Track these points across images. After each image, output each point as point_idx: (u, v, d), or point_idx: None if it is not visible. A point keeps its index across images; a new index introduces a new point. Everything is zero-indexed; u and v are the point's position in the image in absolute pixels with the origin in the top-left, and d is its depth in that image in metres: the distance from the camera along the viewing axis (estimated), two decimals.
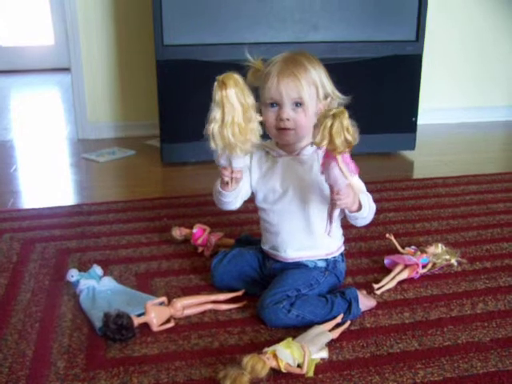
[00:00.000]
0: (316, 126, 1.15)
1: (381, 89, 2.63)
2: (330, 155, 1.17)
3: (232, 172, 1.30)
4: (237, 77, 1.20)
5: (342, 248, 1.49)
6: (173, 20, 2.37)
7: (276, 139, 1.41)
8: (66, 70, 4.04)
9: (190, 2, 2.38)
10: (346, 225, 1.87)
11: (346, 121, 1.12)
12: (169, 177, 2.45)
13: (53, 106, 4.26)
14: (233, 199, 1.40)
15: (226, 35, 2.43)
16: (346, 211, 1.32)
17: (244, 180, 1.39)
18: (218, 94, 1.18)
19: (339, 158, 1.15)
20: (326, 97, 1.36)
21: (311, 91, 1.33)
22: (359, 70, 2.49)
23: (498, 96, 3.49)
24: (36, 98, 4.48)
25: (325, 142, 1.12)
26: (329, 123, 1.11)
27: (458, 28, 3.29)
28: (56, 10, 5.44)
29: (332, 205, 1.27)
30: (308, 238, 1.41)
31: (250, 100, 1.22)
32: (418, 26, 2.56)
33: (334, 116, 1.12)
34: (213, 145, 1.22)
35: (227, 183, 1.33)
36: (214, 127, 1.20)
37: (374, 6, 2.51)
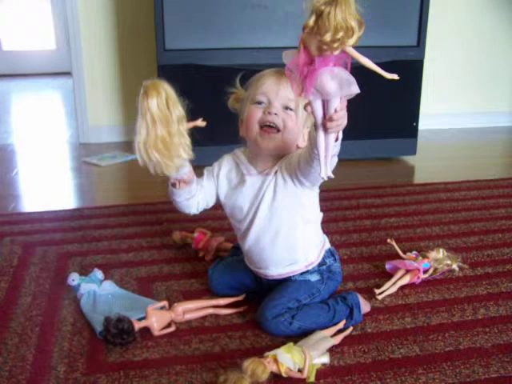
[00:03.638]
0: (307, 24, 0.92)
1: (382, 94, 2.63)
2: (315, 66, 0.96)
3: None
4: (163, 85, 1.12)
5: (325, 248, 1.42)
6: (174, 25, 2.37)
7: (254, 143, 1.31)
8: (68, 74, 4.06)
9: (192, 7, 2.39)
10: (348, 230, 1.88)
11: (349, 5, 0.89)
12: None
13: (54, 109, 4.27)
14: (184, 200, 1.34)
15: (226, 40, 2.44)
16: (332, 141, 1.07)
17: (205, 186, 1.37)
18: (139, 104, 1.10)
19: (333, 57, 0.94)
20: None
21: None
22: (360, 75, 2.49)
23: (500, 101, 3.50)
24: (37, 101, 4.49)
25: (328, 35, 0.89)
26: (327, 11, 0.88)
27: (461, 33, 3.30)
28: (58, 14, 5.47)
29: (325, 134, 1.06)
30: (284, 254, 1.36)
31: (178, 111, 1.13)
32: (420, 32, 2.57)
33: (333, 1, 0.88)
34: (140, 161, 1.14)
35: (174, 184, 1.30)
36: (139, 142, 1.12)
37: (375, 11, 2.51)
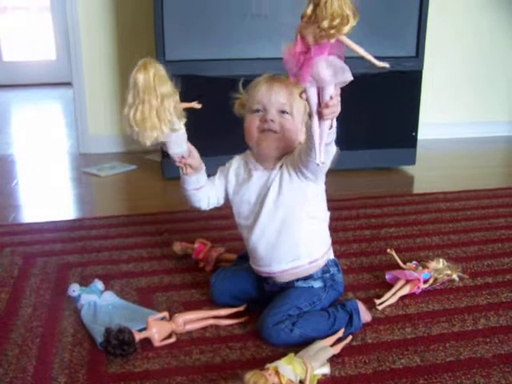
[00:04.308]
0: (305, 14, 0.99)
1: (381, 104, 2.65)
2: (311, 55, 1.01)
3: (182, 158, 1.34)
4: (153, 64, 1.21)
5: (330, 253, 1.44)
6: (174, 36, 2.38)
7: (256, 147, 1.36)
8: (68, 84, 4.06)
9: (191, 18, 2.40)
10: (348, 240, 1.89)
11: None
12: (170, 191, 2.45)
13: (54, 120, 4.28)
14: (193, 190, 1.41)
15: (226, 51, 2.45)
16: (326, 128, 1.12)
17: (216, 184, 1.44)
18: (130, 78, 1.21)
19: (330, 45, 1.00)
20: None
21: (300, 104, 1.32)
22: (360, 86, 2.49)
23: (499, 111, 3.51)
24: (37, 112, 4.50)
25: (326, 22, 0.95)
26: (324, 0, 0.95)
27: (460, 42, 3.32)
28: (58, 24, 5.49)
29: (320, 121, 1.10)
30: (288, 249, 1.37)
31: (164, 89, 1.21)
32: (418, 42, 2.59)
33: None
34: (125, 129, 1.24)
35: (182, 169, 1.38)
36: (124, 111, 1.22)
37: (374, 22, 2.53)
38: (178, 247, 1.74)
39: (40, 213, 2.21)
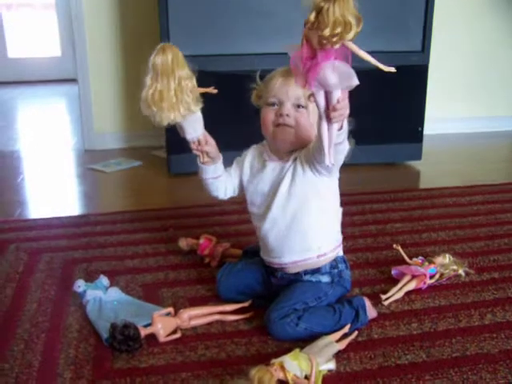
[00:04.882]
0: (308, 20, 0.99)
1: (387, 99, 2.64)
2: (318, 60, 1.02)
3: (198, 145, 1.35)
4: (172, 47, 1.23)
5: (340, 251, 1.44)
6: (179, 32, 2.38)
7: (272, 140, 1.38)
8: (73, 80, 4.07)
9: (196, 13, 2.40)
10: (353, 235, 1.88)
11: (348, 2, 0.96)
12: (175, 187, 2.45)
13: (59, 116, 4.29)
14: (210, 179, 1.43)
15: (231, 46, 2.44)
16: (335, 130, 1.14)
17: (232, 174, 1.46)
18: (150, 61, 1.24)
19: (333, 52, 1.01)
20: None
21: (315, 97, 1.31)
22: (365, 81, 2.48)
23: (506, 106, 3.49)
24: (43, 108, 4.50)
25: (327, 30, 0.95)
26: (326, 7, 0.95)
27: (467, 37, 3.30)
28: (63, 21, 5.49)
29: (329, 124, 1.12)
30: (298, 240, 1.37)
31: (182, 71, 1.24)
32: (424, 37, 2.57)
33: None
34: (143, 111, 1.28)
35: (199, 157, 1.39)
36: (142, 93, 1.26)
37: (380, 16, 2.52)
38: (183, 243, 1.74)
39: (45, 209, 2.22)
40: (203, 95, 1.31)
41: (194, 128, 1.33)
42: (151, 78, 1.24)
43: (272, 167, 1.39)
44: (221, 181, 1.45)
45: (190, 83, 1.26)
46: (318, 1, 0.95)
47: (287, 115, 1.32)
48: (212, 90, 1.31)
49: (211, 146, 1.38)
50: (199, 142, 1.36)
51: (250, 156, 1.46)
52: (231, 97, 2.28)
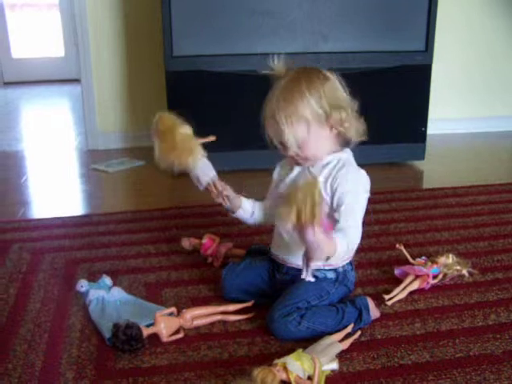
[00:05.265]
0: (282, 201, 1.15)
1: (390, 99, 2.63)
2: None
3: (218, 191, 1.44)
4: (167, 114, 1.43)
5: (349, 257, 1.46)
6: (182, 32, 2.38)
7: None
8: (76, 81, 4.08)
9: (199, 13, 2.40)
10: None
11: (315, 195, 1.08)
12: (178, 187, 2.45)
13: (63, 116, 4.29)
14: (250, 218, 1.51)
15: (234, 46, 2.44)
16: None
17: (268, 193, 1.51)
18: (152, 130, 1.42)
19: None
20: (332, 113, 1.31)
21: (299, 129, 1.30)
22: (369, 80, 2.49)
23: (509, 105, 3.48)
24: (46, 108, 4.51)
25: (292, 216, 1.09)
26: (297, 196, 1.09)
27: (470, 36, 3.29)
28: (66, 21, 5.50)
29: (307, 257, 1.21)
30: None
31: (182, 129, 1.41)
32: (428, 37, 2.56)
33: (302, 189, 1.10)
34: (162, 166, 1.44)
35: (221, 203, 1.47)
36: (155, 154, 1.43)
37: (384, 16, 2.52)
38: (186, 243, 1.74)
39: (49, 209, 2.22)
40: (204, 145, 1.43)
41: (206, 172, 1.44)
42: (158, 139, 1.41)
43: (298, 170, 1.42)
44: (258, 214, 1.51)
45: (191, 137, 1.42)
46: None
47: (297, 155, 1.35)
48: (211, 139, 1.43)
49: (227, 189, 1.45)
50: (215, 186, 1.44)
51: (278, 167, 1.51)
52: (233, 96, 2.28)
